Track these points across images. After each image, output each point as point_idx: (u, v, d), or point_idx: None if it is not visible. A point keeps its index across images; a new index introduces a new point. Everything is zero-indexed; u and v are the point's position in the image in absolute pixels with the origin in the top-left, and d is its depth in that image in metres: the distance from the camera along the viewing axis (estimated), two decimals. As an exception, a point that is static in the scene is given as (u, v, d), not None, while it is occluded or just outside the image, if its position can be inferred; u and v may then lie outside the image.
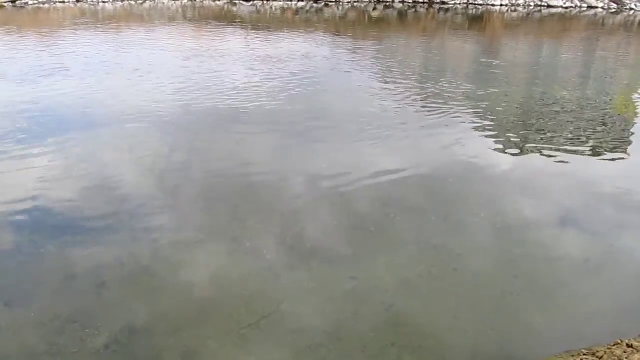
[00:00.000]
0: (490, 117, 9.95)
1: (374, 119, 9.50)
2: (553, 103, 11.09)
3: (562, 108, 10.75)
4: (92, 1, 32.19)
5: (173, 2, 33.60)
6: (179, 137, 8.42)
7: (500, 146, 8.38)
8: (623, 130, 9.49)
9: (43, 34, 19.63)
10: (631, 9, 33.80)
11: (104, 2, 32.41)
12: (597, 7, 34.25)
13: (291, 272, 4.92)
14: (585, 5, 34.43)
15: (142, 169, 7.12)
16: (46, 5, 30.26)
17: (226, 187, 6.66)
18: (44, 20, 24.74)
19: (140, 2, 33.05)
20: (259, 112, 9.79)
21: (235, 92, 11.18)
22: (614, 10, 33.69)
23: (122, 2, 32.83)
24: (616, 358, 3.40)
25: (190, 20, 25.77)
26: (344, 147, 8.12)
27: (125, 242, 5.33)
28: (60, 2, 31.46)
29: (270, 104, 10.32)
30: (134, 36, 19.76)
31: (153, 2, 33.38)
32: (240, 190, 6.57)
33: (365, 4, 34.84)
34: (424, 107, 10.53)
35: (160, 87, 11.49)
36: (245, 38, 19.60)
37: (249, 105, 10.22)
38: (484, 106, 10.64)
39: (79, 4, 31.33)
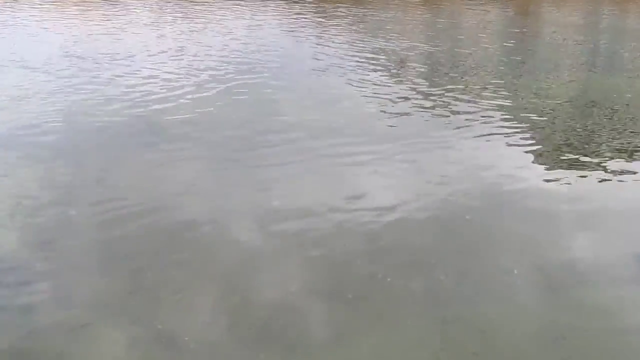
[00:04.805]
0: (526, 120, 9.92)
1: (353, 129, 9.37)
2: (616, 99, 11.21)
3: (630, 106, 10.87)
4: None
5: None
6: (67, 164, 8.07)
7: (543, 164, 8.32)
8: None
9: None
10: None
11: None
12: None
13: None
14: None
15: (7, 215, 6.76)
16: None
17: (129, 237, 6.27)
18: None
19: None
20: (182, 122, 9.44)
21: (149, 93, 10.87)
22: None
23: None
24: None
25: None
26: (308, 172, 7.92)
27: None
28: None
29: (199, 110, 10.02)
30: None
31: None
32: (150, 242, 6.22)
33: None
34: (427, 108, 10.47)
35: (45, 92, 11.11)
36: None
37: (169, 112, 9.94)
38: (517, 105, 10.69)
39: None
